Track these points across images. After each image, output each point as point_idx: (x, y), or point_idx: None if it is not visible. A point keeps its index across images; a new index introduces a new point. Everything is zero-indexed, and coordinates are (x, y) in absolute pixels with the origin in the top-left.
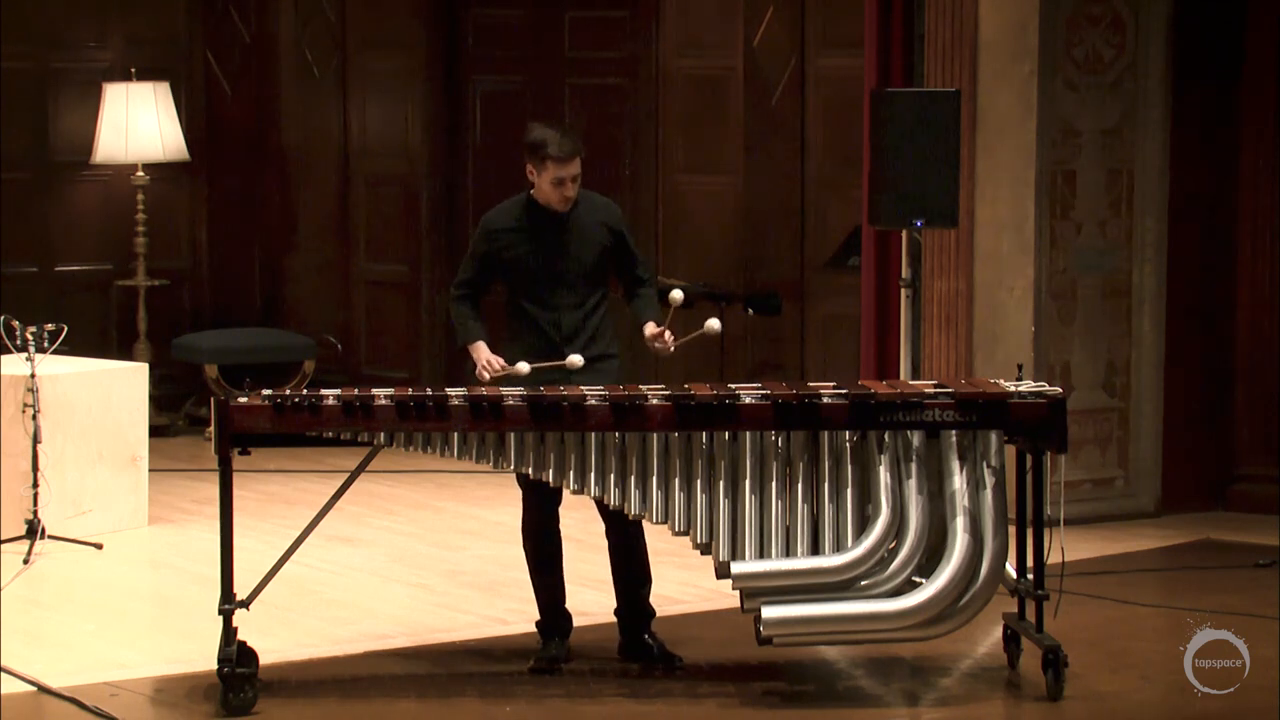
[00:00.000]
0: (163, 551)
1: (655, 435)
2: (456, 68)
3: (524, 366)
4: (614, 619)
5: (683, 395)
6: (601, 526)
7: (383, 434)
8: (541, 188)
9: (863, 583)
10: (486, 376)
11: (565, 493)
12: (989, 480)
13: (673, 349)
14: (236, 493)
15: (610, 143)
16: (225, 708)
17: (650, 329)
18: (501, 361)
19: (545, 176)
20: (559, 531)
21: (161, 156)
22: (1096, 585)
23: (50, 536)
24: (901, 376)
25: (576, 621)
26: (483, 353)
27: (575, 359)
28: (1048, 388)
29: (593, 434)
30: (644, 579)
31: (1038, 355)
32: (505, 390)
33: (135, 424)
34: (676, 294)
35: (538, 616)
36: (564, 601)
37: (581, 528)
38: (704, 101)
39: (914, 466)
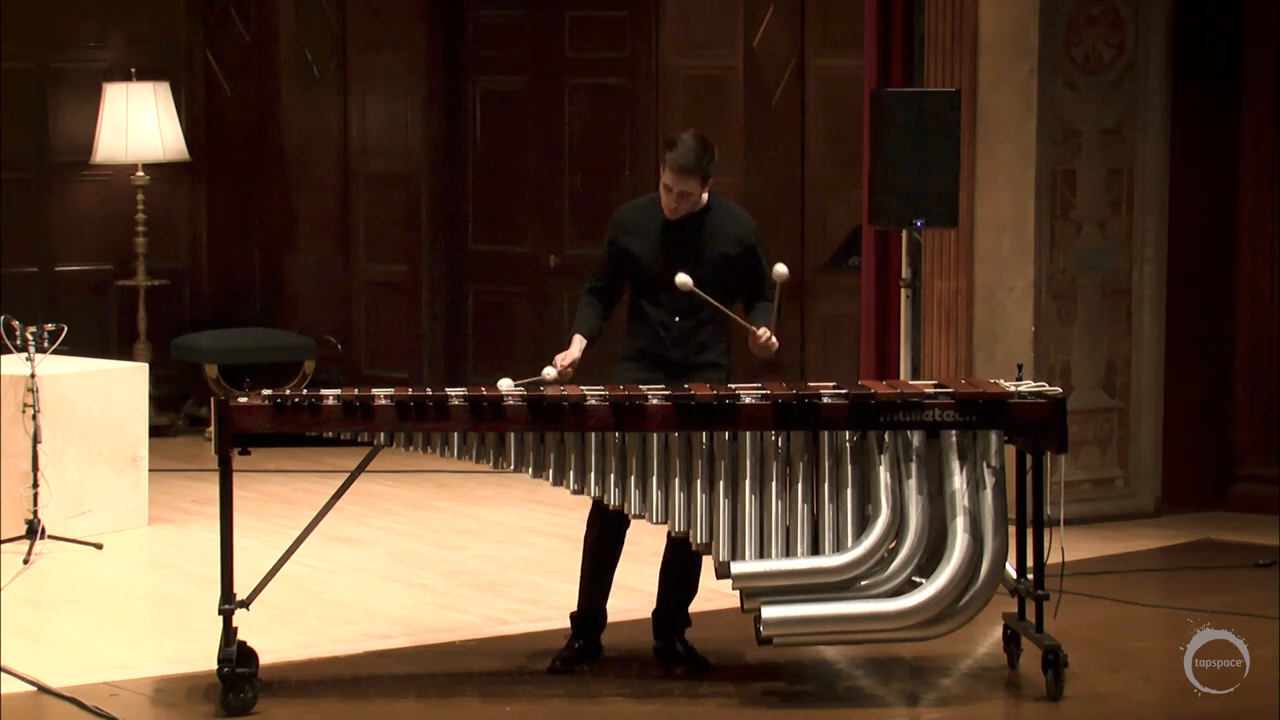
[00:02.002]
0: (163, 551)
1: (655, 435)
2: (456, 68)
3: (506, 383)
4: (619, 619)
5: (683, 395)
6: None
7: (383, 434)
8: (661, 185)
9: (863, 583)
10: (553, 373)
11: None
12: (989, 480)
13: (772, 352)
14: (236, 493)
15: (610, 143)
16: (225, 708)
17: (759, 334)
18: (576, 358)
19: (662, 177)
20: (625, 532)
21: (161, 156)
22: (1096, 585)
23: (50, 536)
24: (901, 376)
25: None
26: (570, 350)
27: (549, 371)
28: (1048, 388)
29: (593, 434)
30: (692, 591)
31: (1038, 355)
32: (505, 390)
33: (135, 424)
34: (781, 269)
35: (574, 608)
36: (605, 602)
37: (581, 528)
38: (704, 101)
39: (914, 466)
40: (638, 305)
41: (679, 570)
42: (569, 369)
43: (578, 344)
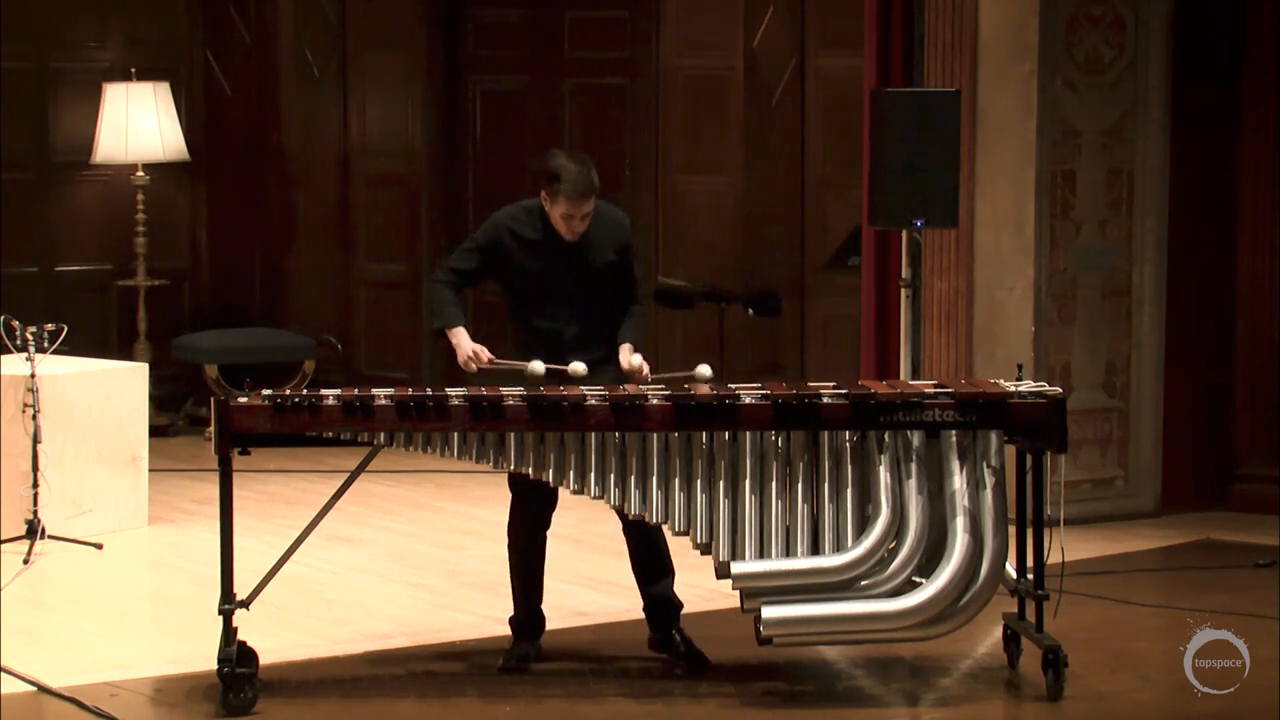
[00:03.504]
0: (163, 551)
1: (655, 435)
2: (456, 68)
3: (539, 366)
4: (617, 619)
5: (683, 395)
6: (600, 527)
7: (383, 434)
8: (552, 215)
9: (863, 583)
10: (474, 368)
11: (563, 493)
12: (989, 480)
13: (649, 381)
14: (236, 493)
15: (610, 143)
16: (225, 708)
17: (629, 355)
18: (489, 354)
19: (557, 209)
20: (546, 537)
21: (161, 156)
22: (1096, 585)
23: (50, 536)
24: (901, 376)
25: (576, 621)
26: (465, 340)
27: (578, 366)
28: (1048, 388)
29: (593, 434)
30: (665, 570)
31: (1038, 355)
32: (505, 390)
33: (135, 424)
34: (578, 366)
35: (511, 613)
36: (540, 603)
37: (580, 528)
38: (704, 101)
39: (914, 466)
40: (523, 316)
41: (644, 555)
42: (489, 364)
43: (467, 335)
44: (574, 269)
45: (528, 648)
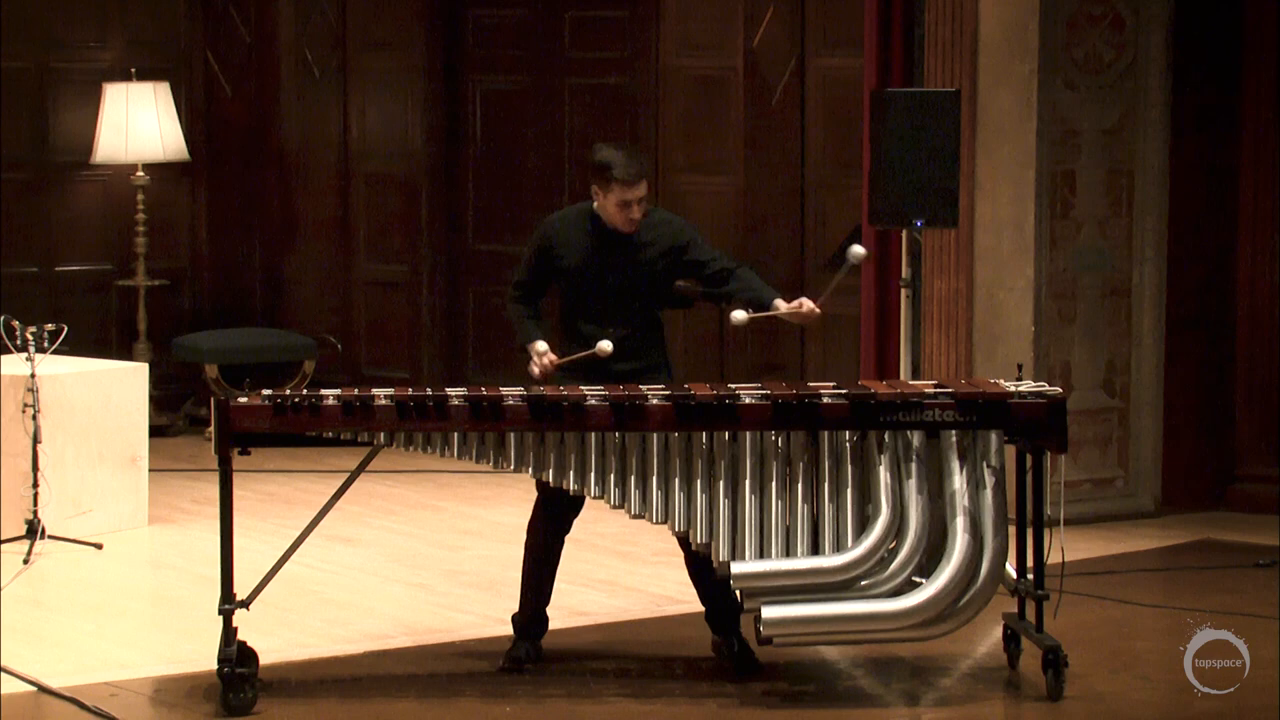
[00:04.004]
0: (163, 551)
1: (655, 435)
2: (456, 68)
3: (607, 345)
4: (618, 619)
5: (683, 395)
6: (600, 527)
7: (383, 434)
8: (606, 209)
9: (863, 583)
10: (536, 372)
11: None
12: (989, 480)
13: (818, 311)
14: (236, 493)
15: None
16: (225, 708)
17: (785, 303)
18: (551, 355)
19: (611, 199)
20: (564, 542)
21: (161, 156)
22: (1096, 585)
23: (50, 536)
24: (901, 376)
25: (577, 621)
26: (534, 353)
27: (604, 345)
28: (1048, 388)
29: (593, 434)
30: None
31: (1038, 355)
32: (505, 390)
33: (135, 424)
34: (858, 250)
35: (516, 610)
36: (547, 605)
37: (581, 528)
38: (704, 101)
39: (914, 466)
40: (570, 318)
41: (699, 564)
42: (551, 367)
43: (542, 347)
44: (621, 272)
45: (528, 648)
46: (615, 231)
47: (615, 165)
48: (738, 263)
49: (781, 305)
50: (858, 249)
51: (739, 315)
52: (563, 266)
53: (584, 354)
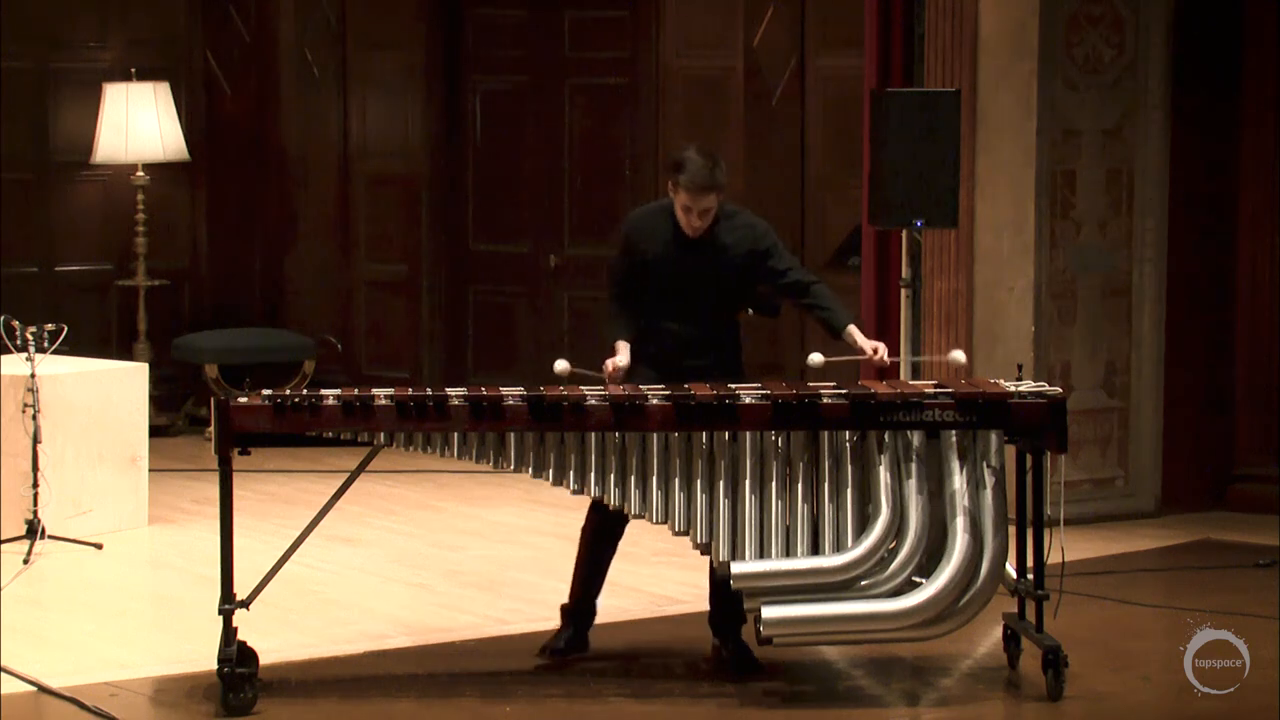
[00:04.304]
0: (163, 551)
1: (655, 435)
2: (456, 68)
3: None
4: (618, 619)
5: (683, 395)
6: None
7: (383, 434)
8: (676, 208)
9: (863, 583)
10: (609, 370)
11: (564, 493)
12: (989, 480)
13: (885, 364)
14: (236, 493)
15: (610, 143)
16: (225, 708)
17: (860, 338)
18: (626, 361)
19: (678, 200)
20: (622, 532)
21: (161, 156)
22: (1096, 585)
23: (50, 536)
24: (901, 376)
25: None
26: (615, 353)
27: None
28: (1048, 388)
29: (593, 434)
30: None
31: (1038, 355)
32: (505, 390)
33: (135, 424)
34: (816, 358)
35: (565, 601)
36: (596, 597)
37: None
38: (704, 101)
39: (914, 466)
40: (649, 314)
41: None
42: (616, 373)
43: (624, 348)
44: (700, 270)
45: (569, 637)
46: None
47: (686, 170)
48: (816, 277)
49: (858, 338)
50: (816, 357)
51: (815, 359)
52: (643, 260)
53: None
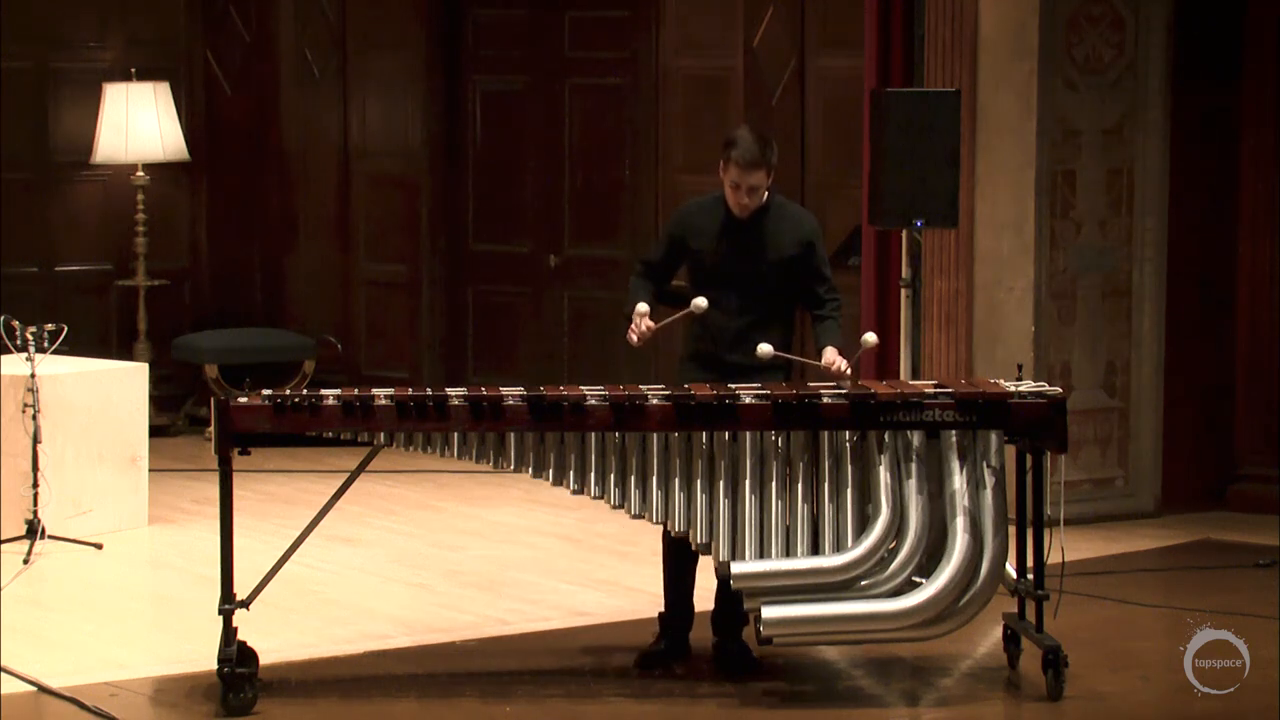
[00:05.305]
0: (163, 551)
1: (655, 435)
2: (456, 68)
3: (702, 301)
4: (618, 619)
5: (683, 395)
6: (600, 527)
7: (383, 434)
8: (725, 186)
9: (863, 583)
10: (634, 339)
11: (563, 493)
12: (989, 480)
13: (846, 377)
14: (236, 493)
15: (610, 143)
16: (225, 708)
17: (832, 356)
18: (648, 322)
19: (727, 176)
20: None
21: (161, 156)
22: (1096, 585)
23: (50, 536)
24: (901, 376)
25: (577, 621)
26: (638, 316)
27: (700, 301)
28: (1048, 388)
29: (593, 434)
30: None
31: (1038, 355)
32: (505, 390)
33: (135, 424)
34: (869, 336)
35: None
36: (687, 599)
37: (580, 528)
38: (704, 101)
39: (914, 466)
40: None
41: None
42: (648, 331)
43: (643, 308)
44: (749, 258)
45: (666, 645)
46: (744, 220)
47: (737, 145)
48: (837, 300)
49: (825, 355)
50: (700, 301)
51: (764, 349)
52: (692, 249)
53: (679, 314)
